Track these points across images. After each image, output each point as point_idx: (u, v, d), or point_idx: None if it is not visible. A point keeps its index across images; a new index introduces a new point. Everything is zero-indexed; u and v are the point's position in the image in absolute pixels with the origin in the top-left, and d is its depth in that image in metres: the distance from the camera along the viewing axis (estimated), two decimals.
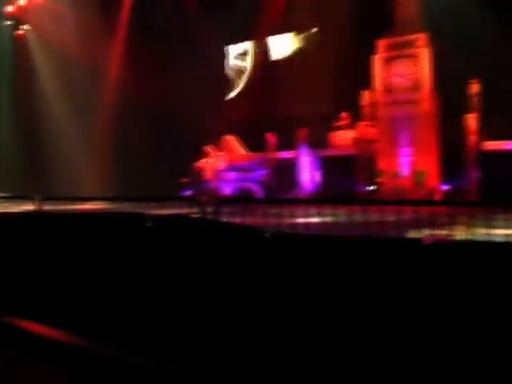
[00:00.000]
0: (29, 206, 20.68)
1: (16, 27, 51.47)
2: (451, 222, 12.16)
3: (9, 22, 50.94)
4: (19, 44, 51.56)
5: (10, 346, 3.73)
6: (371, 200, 25.14)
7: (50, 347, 3.11)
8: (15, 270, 8.14)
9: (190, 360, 4.88)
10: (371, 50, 34.31)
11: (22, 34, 51.81)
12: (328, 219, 11.31)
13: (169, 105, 40.23)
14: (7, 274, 8.13)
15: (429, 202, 22.40)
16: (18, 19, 50.89)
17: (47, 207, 18.89)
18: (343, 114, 36.43)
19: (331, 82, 39.13)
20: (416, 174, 32.33)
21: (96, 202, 16.94)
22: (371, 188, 33.42)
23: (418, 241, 4.88)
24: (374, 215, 11.39)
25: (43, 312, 5.85)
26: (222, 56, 47.14)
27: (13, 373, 5.71)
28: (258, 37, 44.45)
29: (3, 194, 35.94)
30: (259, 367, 4.79)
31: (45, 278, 7.62)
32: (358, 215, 10.73)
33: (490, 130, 30.84)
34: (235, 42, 46.20)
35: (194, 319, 5.74)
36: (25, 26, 51.44)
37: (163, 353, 4.97)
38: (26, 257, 8.33)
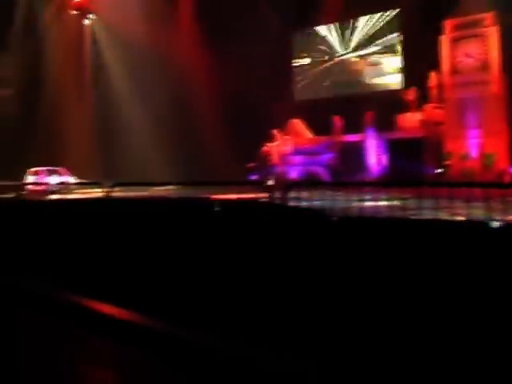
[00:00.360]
0: (99, 193, 21.08)
1: (82, 17, 52.23)
2: None
3: (75, 12, 51.72)
4: (85, 33, 52.32)
5: (78, 325, 3.86)
6: (439, 183, 24.81)
7: (115, 326, 3.21)
8: (85, 252, 8.34)
9: (260, 339, 4.95)
10: (439, 31, 33.72)
11: (88, 24, 52.57)
12: (396, 202, 11.26)
13: (235, 90, 40.38)
14: (77, 256, 8.33)
15: (498, 185, 22.00)
16: (84, 9, 51.62)
17: (117, 193, 19.22)
18: (410, 96, 35.96)
19: (399, 63, 38.88)
20: (485, 157, 31.77)
21: (165, 187, 17.14)
22: (439, 170, 33.00)
23: (486, 224, 4.86)
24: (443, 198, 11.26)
25: (112, 292, 6.00)
26: (290, 41, 47.07)
27: (80, 351, 5.88)
28: (329, 21, 44.15)
29: (77, 181, 36.68)
30: (326, 347, 4.84)
31: (114, 259, 7.79)
32: (426, 198, 10.65)
33: None
34: (303, 26, 46.04)
35: (261, 301, 5.81)
36: (90, 16, 52.17)
37: (230, 332, 5.06)
38: (97, 240, 8.52)
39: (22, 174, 38.47)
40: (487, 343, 4.36)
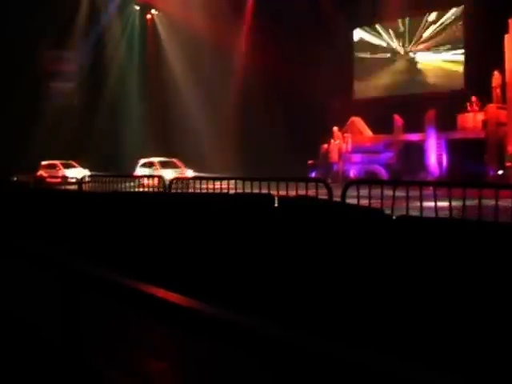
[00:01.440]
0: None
1: (144, 12, 52.90)
2: None
3: (137, 7, 52.42)
4: (148, 28, 52.98)
5: (145, 312, 3.97)
6: (502, 184, 24.48)
7: (182, 314, 3.31)
8: (154, 244, 8.50)
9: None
10: (504, 29, 33.21)
11: (151, 18, 53.20)
12: (457, 203, 11.16)
13: (297, 88, 40.47)
14: (145, 246, 8.50)
15: None
16: (146, 4, 52.26)
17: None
18: (473, 98, 35.51)
19: (461, 62, 38.49)
20: None
21: (225, 182, 17.25)
22: (500, 172, 32.56)
23: None
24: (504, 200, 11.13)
25: (176, 282, 6.11)
26: (351, 39, 46.92)
27: (148, 338, 6.02)
28: (390, 18, 43.84)
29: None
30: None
31: (178, 251, 7.92)
32: (487, 200, 10.55)
33: None
34: (364, 24, 45.90)
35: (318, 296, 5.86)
36: (152, 11, 52.79)
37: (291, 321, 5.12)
38: (156, 230, 8.67)
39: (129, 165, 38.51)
40: None
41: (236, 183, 18.20)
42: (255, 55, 44.07)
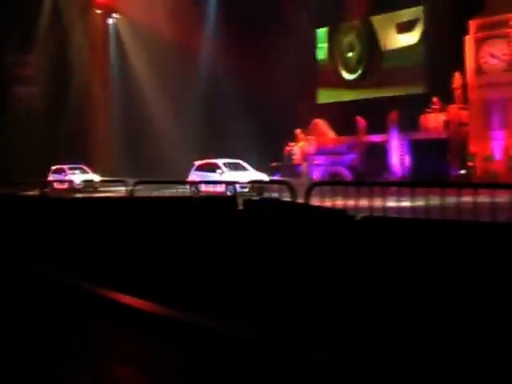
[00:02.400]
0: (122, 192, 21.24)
1: (106, 16, 52.60)
2: None
3: (99, 11, 52.09)
4: (110, 32, 52.71)
5: (113, 318, 3.96)
6: (463, 184, 24.70)
7: (149, 320, 3.30)
8: (108, 247, 8.45)
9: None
10: (465, 31, 33.57)
11: (112, 22, 52.92)
12: (419, 203, 11.25)
13: (260, 90, 40.48)
14: (102, 250, 8.45)
15: None
16: (109, 8, 51.97)
17: (140, 192, 19.35)
18: (434, 100, 35.81)
19: (423, 63, 38.80)
20: (510, 158, 31.64)
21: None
22: (463, 172, 32.91)
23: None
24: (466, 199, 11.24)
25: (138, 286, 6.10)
26: (313, 41, 46.96)
27: (116, 344, 5.98)
28: (353, 18, 43.93)
29: (101, 178, 36.79)
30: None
31: (143, 256, 7.89)
32: (449, 199, 10.65)
33: None
34: (327, 24, 45.97)
35: (280, 295, 5.87)
36: (115, 15, 52.51)
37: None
38: (120, 235, 8.63)
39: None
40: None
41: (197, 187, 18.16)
42: (219, 57, 44.02)
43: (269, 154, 39.27)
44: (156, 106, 45.58)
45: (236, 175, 29.30)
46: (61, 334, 5.08)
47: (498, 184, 21.52)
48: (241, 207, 8.13)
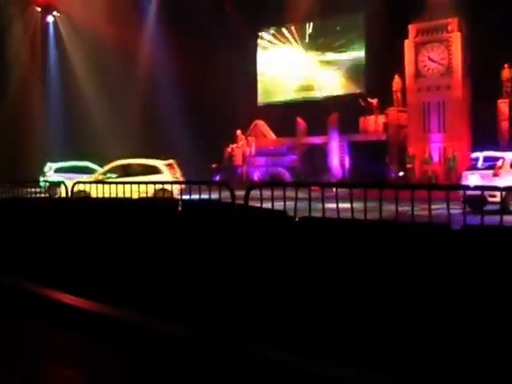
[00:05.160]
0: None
1: (46, 14, 51.82)
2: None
3: (38, 9, 51.28)
4: (49, 30, 51.95)
5: (49, 318, 3.84)
6: (402, 185, 24.95)
7: (86, 319, 3.20)
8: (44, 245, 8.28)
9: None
10: (405, 35, 34.00)
11: (52, 20, 52.15)
12: (358, 204, 11.24)
13: (201, 91, 40.28)
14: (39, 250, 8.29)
15: (460, 187, 22.15)
16: (47, 6, 51.20)
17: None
18: (374, 102, 36.12)
19: (363, 66, 39.12)
20: (447, 160, 32.11)
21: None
22: (401, 173, 33.30)
23: (446, 227, 4.87)
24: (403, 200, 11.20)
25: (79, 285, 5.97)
26: (255, 42, 46.92)
27: (53, 344, 5.83)
28: (295, 22, 44.00)
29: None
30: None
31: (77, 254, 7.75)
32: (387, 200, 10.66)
33: None
34: (269, 27, 46.01)
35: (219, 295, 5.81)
36: (54, 12, 51.75)
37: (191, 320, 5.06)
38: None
39: None
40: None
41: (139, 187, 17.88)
42: (159, 57, 43.72)
43: (210, 155, 39.14)
44: (95, 105, 45.02)
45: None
46: None
47: (436, 185, 21.77)
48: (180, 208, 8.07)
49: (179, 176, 25.13)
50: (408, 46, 34.04)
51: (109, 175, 23.05)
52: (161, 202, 9.79)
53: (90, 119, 44.85)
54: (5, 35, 48.34)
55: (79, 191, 18.09)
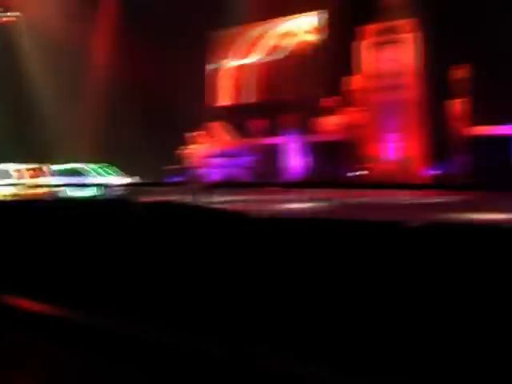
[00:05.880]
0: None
1: (2, 13, 51.26)
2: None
3: None
4: (5, 30, 51.38)
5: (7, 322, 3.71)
6: (358, 184, 25.17)
7: (46, 323, 3.07)
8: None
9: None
10: (360, 35, 34.27)
11: (8, 21, 51.59)
12: (317, 204, 11.29)
13: (156, 92, 40.06)
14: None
15: (415, 186, 22.48)
16: (4, 6, 50.67)
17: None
18: (332, 102, 36.25)
19: (319, 67, 39.23)
20: (403, 159, 32.38)
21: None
22: (358, 173, 33.47)
23: (402, 224, 4.82)
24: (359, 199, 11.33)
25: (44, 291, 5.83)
26: (208, 42, 46.79)
27: (12, 349, 5.67)
28: (249, 21, 43.90)
29: None
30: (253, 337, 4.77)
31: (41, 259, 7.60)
32: (344, 199, 10.72)
33: (478, 115, 30.85)
34: (224, 27, 45.84)
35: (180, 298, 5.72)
36: (8, 13, 51.21)
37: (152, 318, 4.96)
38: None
39: None
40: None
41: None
42: (115, 56, 43.43)
43: (166, 156, 38.94)
44: (50, 104, 44.60)
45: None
46: None
47: (394, 184, 21.95)
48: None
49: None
50: (364, 46, 34.33)
51: None
52: (112, 203, 9.64)
53: (43, 117, 44.36)
54: None
55: None
